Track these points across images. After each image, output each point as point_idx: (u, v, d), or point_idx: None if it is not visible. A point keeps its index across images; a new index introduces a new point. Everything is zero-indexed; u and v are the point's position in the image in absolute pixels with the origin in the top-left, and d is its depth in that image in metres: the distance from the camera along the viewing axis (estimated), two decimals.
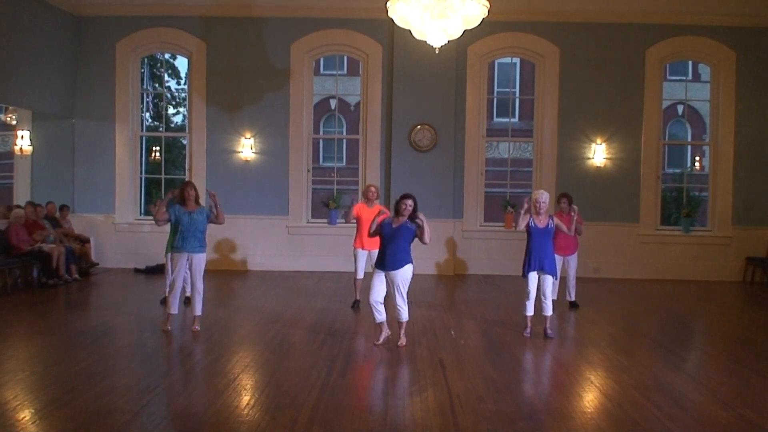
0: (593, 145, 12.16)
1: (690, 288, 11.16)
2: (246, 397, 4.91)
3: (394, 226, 6.36)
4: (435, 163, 12.02)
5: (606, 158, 12.17)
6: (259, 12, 12.11)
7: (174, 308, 6.98)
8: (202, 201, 7.35)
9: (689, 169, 21.13)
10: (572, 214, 7.86)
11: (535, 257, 6.98)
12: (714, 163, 12.47)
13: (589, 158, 12.19)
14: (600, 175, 12.18)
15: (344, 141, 16.91)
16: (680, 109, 21.83)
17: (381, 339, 6.49)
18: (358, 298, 8.53)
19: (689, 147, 23.71)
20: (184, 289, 7.95)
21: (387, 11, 7.14)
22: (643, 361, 6.19)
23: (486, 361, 6.07)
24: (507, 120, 15.08)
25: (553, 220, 7.08)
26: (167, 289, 8.17)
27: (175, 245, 7.08)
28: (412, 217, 6.33)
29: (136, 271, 11.70)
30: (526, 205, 6.99)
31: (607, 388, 5.28)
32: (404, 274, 6.40)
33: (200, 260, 7.03)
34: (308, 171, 12.56)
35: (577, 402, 5.04)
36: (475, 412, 4.64)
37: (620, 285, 11.22)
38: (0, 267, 9.64)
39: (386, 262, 6.37)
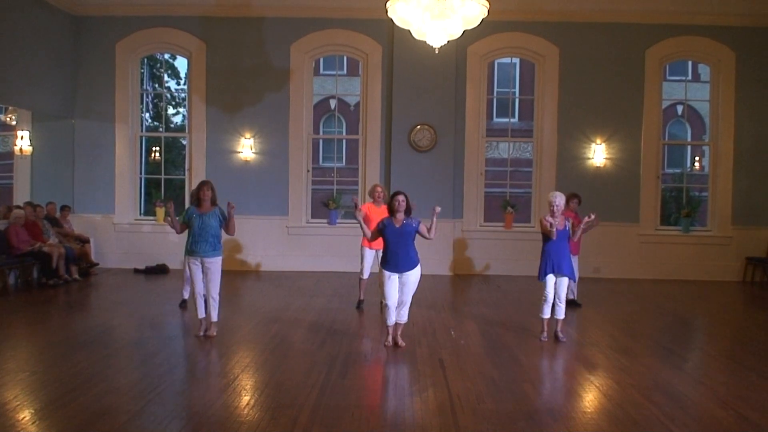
0: (593, 145, 12.16)
1: (690, 288, 11.16)
2: (246, 397, 4.91)
3: (397, 226, 6.35)
4: (435, 163, 12.02)
5: (606, 158, 12.17)
6: (258, 12, 12.11)
7: (201, 312, 6.82)
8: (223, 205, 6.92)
9: (689, 169, 21.13)
10: (588, 217, 7.43)
11: (554, 260, 6.84)
12: (714, 163, 12.47)
13: (589, 158, 12.19)
14: (600, 175, 12.18)
15: (344, 141, 16.91)
16: (680, 109, 21.81)
17: (390, 340, 6.51)
18: (362, 297, 8.54)
19: (689, 147, 23.68)
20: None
21: (387, 11, 7.14)
22: (643, 361, 6.19)
23: (486, 361, 6.07)
24: (507, 120, 15.07)
25: (568, 221, 7.00)
26: (185, 294, 8.30)
27: (187, 248, 6.80)
28: (408, 212, 6.36)
29: (136, 271, 11.70)
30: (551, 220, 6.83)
31: (607, 388, 5.28)
32: (417, 275, 6.44)
33: (213, 264, 6.72)
34: (308, 171, 12.56)
35: (577, 402, 5.04)
36: (475, 412, 4.64)
37: (620, 285, 11.22)
38: (0, 267, 9.65)
39: (400, 264, 6.35)
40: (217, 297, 6.83)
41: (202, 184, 6.88)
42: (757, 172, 12.14)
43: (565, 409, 4.79)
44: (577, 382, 5.53)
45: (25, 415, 4.44)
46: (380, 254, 7.86)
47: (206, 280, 6.74)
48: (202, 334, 6.80)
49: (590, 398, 5.10)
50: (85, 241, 11.52)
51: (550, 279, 6.88)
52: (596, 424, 4.47)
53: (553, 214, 6.88)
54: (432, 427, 4.34)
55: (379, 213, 7.92)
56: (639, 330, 7.77)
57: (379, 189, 8.38)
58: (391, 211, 6.40)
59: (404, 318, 6.51)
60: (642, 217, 12.19)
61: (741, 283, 11.96)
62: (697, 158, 22.54)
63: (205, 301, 6.84)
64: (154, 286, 10.37)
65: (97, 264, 11.63)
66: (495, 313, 8.43)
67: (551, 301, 6.90)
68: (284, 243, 12.29)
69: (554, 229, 6.80)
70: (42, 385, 5.10)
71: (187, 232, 6.90)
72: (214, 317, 6.84)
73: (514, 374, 5.78)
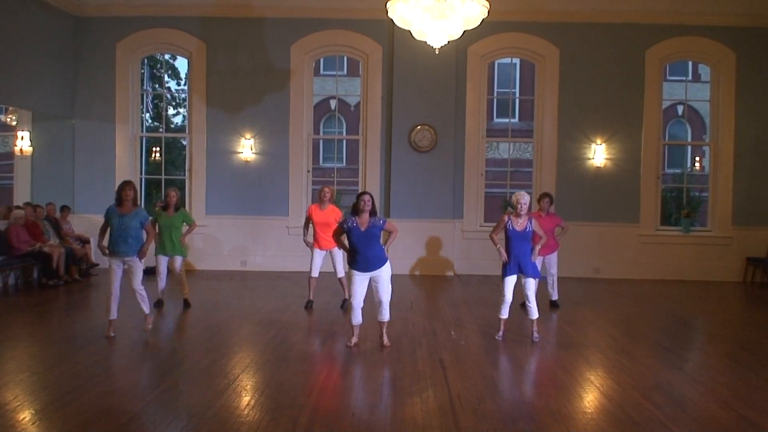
0: (593, 146, 12.16)
1: (690, 288, 11.16)
2: (246, 398, 4.91)
3: (363, 229, 6.26)
4: (435, 163, 12.02)
5: (606, 158, 12.17)
6: (259, 12, 12.12)
7: (113, 313, 6.67)
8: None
9: (689, 170, 21.14)
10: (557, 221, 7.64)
11: (514, 261, 6.83)
12: (714, 164, 12.47)
13: (589, 158, 12.19)
14: (600, 176, 12.17)
15: (344, 141, 16.94)
16: (680, 109, 21.85)
17: (354, 341, 6.48)
18: (311, 298, 8.64)
19: (689, 147, 23.71)
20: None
21: (387, 12, 7.14)
22: (643, 362, 6.19)
23: (486, 361, 6.07)
24: (507, 120, 15.08)
25: (531, 222, 6.89)
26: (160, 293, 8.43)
27: (109, 248, 6.70)
28: (373, 212, 6.33)
29: None
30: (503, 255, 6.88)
31: (607, 389, 5.28)
32: (389, 271, 6.42)
33: (134, 261, 6.68)
34: (308, 171, 12.56)
35: (578, 402, 5.04)
36: (475, 412, 4.64)
37: (620, 285, 11.21)
38: (0, 268, 9.65)
39: (369, 263, 6.30)
40: (143, 291, 6.81)
41: (125, 184, 6.74)
42: (757, 173, 12.14)
43: (565, 409, 4.79)
44: (577, 382, 5.53)
45: (26, 416, 4.44)
46: (333, 254, 8.33)
47: (129, 277, 6.72)
48: (112, 335, 6.66)
49: (590, 398, 5.10)
50: (85, 241, 11.52)
51: (510, 280, 6.84)
52: (596, 424, 4.47)
53: (518, 214, 6.85)
54: (432, 427, 4.33)
55: (324, 215, 8.27)
56: (639, 330, 7.77)
57: (326, 190, 8.42)
58: (356, 211, 6.33)
59: (386, 316, 6.47)
60: (642, 217, 12.19)
61: (741, 283, 11.96)
62: (697, 158, 22.55)
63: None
64: (153, 287, 10.35)
65: (98, 264, 11.61)
66: (495, 314, 8.37)
67: (509, 301, 6.86)
68: (284, 243, 12.28)
69: (497, 238, 6.86)
70: (42, 386, 5.10)
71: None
72: (147, 309, 6.87)
73: (515, 374, 5.78)
